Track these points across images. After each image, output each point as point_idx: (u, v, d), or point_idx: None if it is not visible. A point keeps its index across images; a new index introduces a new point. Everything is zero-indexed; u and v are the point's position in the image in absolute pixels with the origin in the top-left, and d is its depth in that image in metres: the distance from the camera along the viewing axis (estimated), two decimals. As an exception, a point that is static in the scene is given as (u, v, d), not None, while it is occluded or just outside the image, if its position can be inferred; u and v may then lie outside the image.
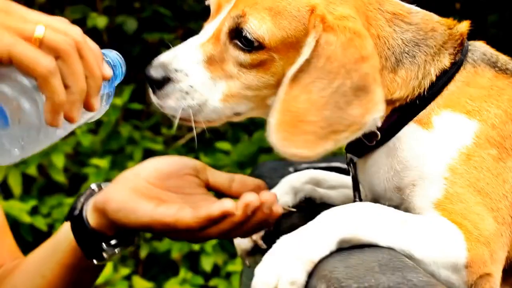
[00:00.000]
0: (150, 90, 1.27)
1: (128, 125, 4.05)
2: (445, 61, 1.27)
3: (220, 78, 1.25)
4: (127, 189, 1.25)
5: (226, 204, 1.17)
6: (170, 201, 1.24)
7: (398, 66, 1.25)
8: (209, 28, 1.28)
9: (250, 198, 1.16)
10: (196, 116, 1.25)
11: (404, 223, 1.13)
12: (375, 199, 1.31)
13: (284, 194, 1.48)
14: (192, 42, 1.27)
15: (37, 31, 1.02)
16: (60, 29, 1.05)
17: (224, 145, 3.96)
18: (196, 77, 1.24)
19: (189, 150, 4.09)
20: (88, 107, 1.10)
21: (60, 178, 3.74)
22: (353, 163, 1.34)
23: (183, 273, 3.70)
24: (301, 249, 1.08)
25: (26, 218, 3.53)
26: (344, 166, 1.82)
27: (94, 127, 3.99)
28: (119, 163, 3.92)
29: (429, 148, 1.22)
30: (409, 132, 1.25)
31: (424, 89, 1.25)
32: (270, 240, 1.41)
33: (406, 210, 1.24)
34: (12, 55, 0.99)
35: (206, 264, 3.66)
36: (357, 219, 1.11)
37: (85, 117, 1.17)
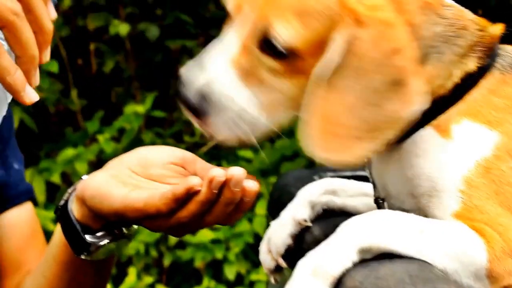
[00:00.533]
0: (190, 113, 1.20)
1: (151, 133, 4.06)
2: (471, 64, 1.19)
3: (260, 91, 1.18)
4: (106, 175, 1.20)
5: (190, 181, 1.10)
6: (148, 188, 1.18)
7: (426, 60, 1.17)
8: (233, 36, 1.20)
9: (214, 173, 1.09)
10: (250, 137, 1.19)
11: (424, 231, 1.09)
12: (386, 198, 1.28)
13: (300, 208, 1.45)
14: (221, 59, 1.18)
15: None
16: None
17: (246, 153, 3.94)
18: (242, 99, 1.17)
19: (211, 157, 4.08)
20: (39, 61, 1.05)
21: (83, 186, 3.75)
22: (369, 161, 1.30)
23: (207, 281, 3.69)
24: (320, 265, 1.06)
25: (50, 226, 3.54)
26: (370, 174, 1.80)
27: (117, 135, 4.00)
28: (142, 171, 3.91)
29: (445, 159, 1.16)
30: (425, 138, 1.19)
31: (447, 91, 1.18)
32: (291, 258, 1.39)
33: (424, 216, 1.20)
34: None
35: (230, 272, 3.65)
36: (376, 228, 1.08)
37: None
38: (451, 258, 1.08)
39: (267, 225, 1.52)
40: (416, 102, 1.11)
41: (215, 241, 3.67)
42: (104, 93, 4.40)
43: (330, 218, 1.47)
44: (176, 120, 4.25)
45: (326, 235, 1.10)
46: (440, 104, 1.18)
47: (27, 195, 1.55)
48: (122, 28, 3.97)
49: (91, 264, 1.28)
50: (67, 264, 1.30)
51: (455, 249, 1.09)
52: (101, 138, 3.86)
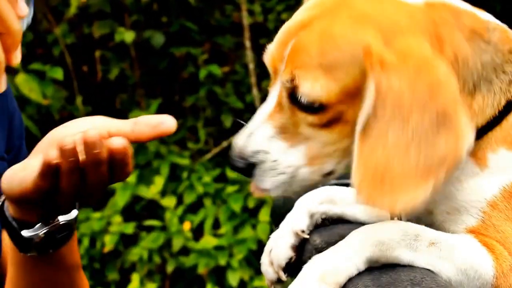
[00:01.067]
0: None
1: (155, 140, 4.06)
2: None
3: (298, 143, 1.16)
4: (20, 163, 1.18)
5: (46, 155, 1.09)
6: None
7: (476, 91, 1.13)
8: (272, 95, 1.18)
9: (64, 142, 1.08)
10: (291, 187, 1.18)
11: (433, 243, 1.10)
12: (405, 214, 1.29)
13: (299, 220, 1.45)
14: (260, 115, 1.18)
15: None
16: None
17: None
18: (277, 151, 1.15)
19: (216, 164, 4.08)
20: (9, 63, 1.03)
21: (88, 192, 3.76)
22: None
23: (210, 288, 3.69)
24: (327, 271, 1.06)
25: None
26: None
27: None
28: (146, 177, 3.92)
29: (475, 185, 1.15)
30: (461, 166, 1.13)
31: (490, 119, 1.15)
32: (293, 268, 1.39)
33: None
34: None
35: (233, 279, 3.65)
36: (385, 238, 1.09)
37: None
38: (458, 270, 1.09)
39: (271, 232, 1.52)
40: (468, 134, 1.07)
41: (218, 248, 3.68)
42: (109, 100, 4.41)
43: (330, 226, 1.47)
44: (180, 127, 4.26)
45: (327, 243, 1.11)
46: (479, 131, 1.15)
47: None
48: (128, 36, 3.98)
49: (44, 260, 1.25)
50: (22, 264, 1.28)
51: (463, 262, 1.09)
52: (105, 144, 3.87)
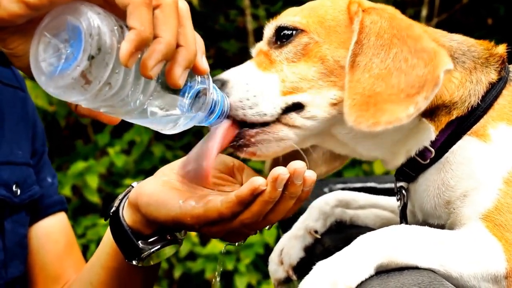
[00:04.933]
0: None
1: (161, 145, 4.07)
2: (492, 75, 1.28)
3: (274, 72, 1.26)
4: (159, 182, 1.20)
5: (255, 181, 1.07)
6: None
7: (454, 65, 1.25)
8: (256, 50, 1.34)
9: (278, 171, 1.07)
10: (259, 109, 1.24)
11: (441, 242, 1.11)
12: (425, 219, 1.30)
13: (314, 221, 1.46)
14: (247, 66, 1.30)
15: None
16: None
17: (257, 164, 3.95)
18: (250, 75, 1.26)
19: (221, 169, 4.08)
20: (170, 76, 0.97)
21: (94, 198, 3.77)
22: (404, 189, 1.32)
23: (217, 293, 3.69)
24: (338, 275, 1.05)
25: (61, 239, 3.55)
26: (379, 186, 1.80)
27: (127, 148, 4.01)
28: (152, 183, 3.93)
29: (486, 160, 1.21)
30: (465, 145, 1.24)
31: (478, 99, 1.25)
32: (302, 271, 1.39)
33: (452, 223, 1.22)
34: None
35: (240, 284, 3.65)
36: (394, 243, 1.09)
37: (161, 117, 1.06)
38: (470, 264, 1.10)
39: (278, 236, 1.52)
40: (445, 62, 1.17)
41: (225, 252, 3.68)
42: (115, 105, 4.42)
43: (340, 229, 1.47)
44: (186, 132, 4.27)
45: (336, 246, 1.11)
46: (474, 114, 1.25)
47: (61, 206, 1.58)
48: (132, 41, 3.98)
49: (140, 269, 1.28)
50: (116, 270, 1.31)
51: (474, 256, 1.11)
52: (111, 151, 3.88)
